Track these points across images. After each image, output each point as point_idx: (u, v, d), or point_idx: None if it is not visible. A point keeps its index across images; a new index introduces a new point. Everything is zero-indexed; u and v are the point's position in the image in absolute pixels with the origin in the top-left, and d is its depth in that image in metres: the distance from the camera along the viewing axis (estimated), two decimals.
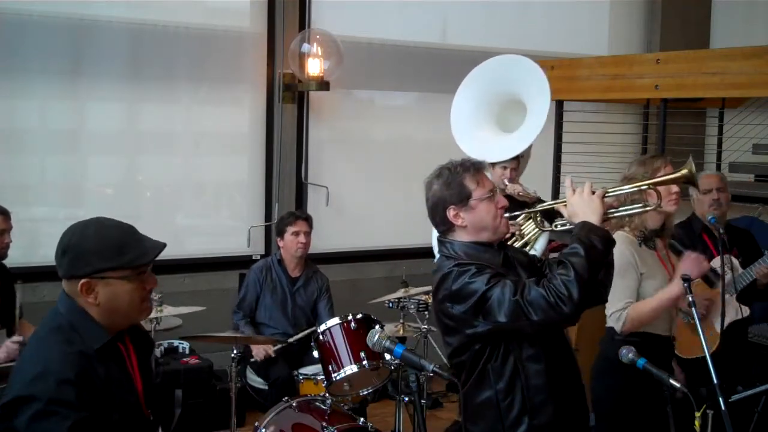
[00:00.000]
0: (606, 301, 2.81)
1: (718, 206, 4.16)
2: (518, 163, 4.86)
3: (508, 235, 4.77)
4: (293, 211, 5.21)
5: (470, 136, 5.02)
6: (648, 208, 2.77)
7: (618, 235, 3.26)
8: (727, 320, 4.07)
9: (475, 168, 2.69)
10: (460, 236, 2.67)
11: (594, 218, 2.55)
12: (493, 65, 5.03)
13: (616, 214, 2.75)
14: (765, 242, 4.26)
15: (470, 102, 5.05)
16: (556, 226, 2.82)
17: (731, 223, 4.11)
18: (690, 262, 3.29)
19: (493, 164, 4.87)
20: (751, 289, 4.21)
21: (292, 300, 4.97)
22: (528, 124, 4.81)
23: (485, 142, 4.99)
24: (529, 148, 4.83)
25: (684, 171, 2.71)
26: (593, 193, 2.61)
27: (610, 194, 2.67)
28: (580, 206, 2.59)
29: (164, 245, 2.22)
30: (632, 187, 2.83)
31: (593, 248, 2.48)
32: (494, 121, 5.09)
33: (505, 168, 4.79)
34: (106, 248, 2.14)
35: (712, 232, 4.29)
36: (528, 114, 4.81)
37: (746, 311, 4.13)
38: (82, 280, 2.12)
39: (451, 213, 2.65)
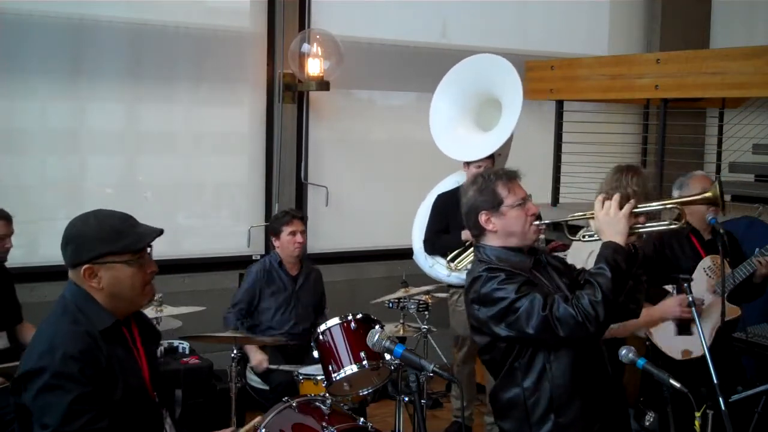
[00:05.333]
0: (638, 315, 2.91)
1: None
2: (493, 162, 4.88)
3: None
4: (287, 210, 5.12)
5: (449, 136, 5.09)
6: (673, 226, 2.83)
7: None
8: (714, 323, 4.07)
9: (508, 176, 2.81)
10: (491, 241, 2.80)
11: (619, 238, 2.65)
12: (467, 66, 5.09)
13: (641, 229, 2.81)
14: (765, 242, 4.25)
15: (447, 103, 5.14)
16: (583, 237, 2.92)
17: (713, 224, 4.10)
18: (672, 303, 3.66)
19: (468, 163, 4.93)
20: (742, 289, 4.19)
21: (296, 299, 4.95)
22: (502, 121, 4.85)
23: (464, 141, 5.05)
24: (507, 147, 4.86)
25: (708, 194, 2.81)
26: (621, 208, 2.68)
27: (637, 210, 2.74)
28: (607, 224, 2.68)
29: (161, 231, 2.36)
30: (660, 205, 2.94)
31: (618, 269, 2.59)
32: (472, 120, 5.16)
33: (479, 167, 4.83)
34: (106, 234, 2.28)
35: (700, 233, 4.29)
36: (503, 111, 4.86)
37: (738, 311, 4.12)
38: (85, 266, 2.25)
39: (482, 218, 2.77)
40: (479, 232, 2.81)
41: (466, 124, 5.17)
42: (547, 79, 6.43)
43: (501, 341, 2.70)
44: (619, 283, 2.59)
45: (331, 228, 6.35)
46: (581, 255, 3.38)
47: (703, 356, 3.12)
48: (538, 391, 2.71)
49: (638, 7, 7.79)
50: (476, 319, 2.74)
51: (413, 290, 4.94)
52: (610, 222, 2.67)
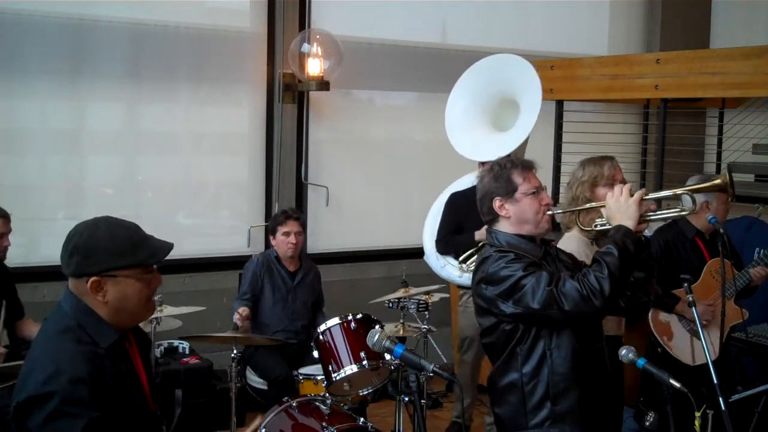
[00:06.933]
0: (649, 307, 2.93)
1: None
2: None
3: None
4: (285, 210, 5.13)
5: (464, 136, 5.02)
6: (684, 213, 2.90)
7: (572, 235, 3.49)
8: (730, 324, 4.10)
9: (524, 166, 2.87)
10: (504, 227, 2.86)
11: (629, 223, 2.71)
12: (485, 65, 5.03)
13: (653, 217, 2.88)
14: (765, 242, 4.26)
15: (464, 103, 5.06)
16: (595, 225, 2.96)
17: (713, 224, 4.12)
18: None
19: (483, 164, 4.87)
20: (742, 290, 4.23)
21: (294, 295, 4.95)
22: (520, 121, 4.81)
23: (479, 142, 4.99)
24: (523, 148, 4.83)
25: (718, 181, 2.87)
26: (631, 196, 2.74)
27: (648, 198, 2.80)
28: (617, 210, 2.75)
29: (172, 245, 2.26)
30: (670, 193, 3.00)
31: (626, 251, 2.64)
32: (489, 120, 5.09)
33: None
34: (119, 247, 2.15)
35: (705, 236, 4.30)
36: (521, 112, 4.81)
37: (746, 314, 4.15)
38: (93, 278, 2.13)
39: (496, 204, 2.84)
40: (493, 217, 2.87)
41: (483, 124, 5.08)
42: (547, 79, 6.37)
43: (506, 321, 2.74)
44: (626, 263, 2.63)
45: (331, 228, 6.35)
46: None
47: (711, 359, 3.13)
48: (537, 378, 2.74)
49: (638, 7, 7.80)
50: (483, 299, 2.78)
51: (413, 290, 4.93)
52: (620, 208, 2.74)
